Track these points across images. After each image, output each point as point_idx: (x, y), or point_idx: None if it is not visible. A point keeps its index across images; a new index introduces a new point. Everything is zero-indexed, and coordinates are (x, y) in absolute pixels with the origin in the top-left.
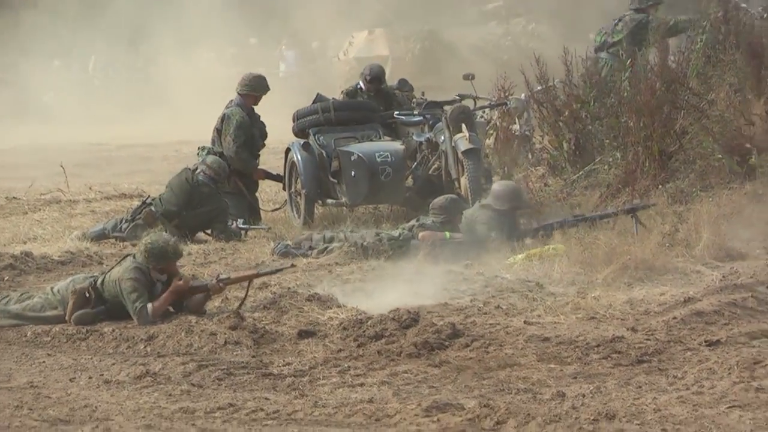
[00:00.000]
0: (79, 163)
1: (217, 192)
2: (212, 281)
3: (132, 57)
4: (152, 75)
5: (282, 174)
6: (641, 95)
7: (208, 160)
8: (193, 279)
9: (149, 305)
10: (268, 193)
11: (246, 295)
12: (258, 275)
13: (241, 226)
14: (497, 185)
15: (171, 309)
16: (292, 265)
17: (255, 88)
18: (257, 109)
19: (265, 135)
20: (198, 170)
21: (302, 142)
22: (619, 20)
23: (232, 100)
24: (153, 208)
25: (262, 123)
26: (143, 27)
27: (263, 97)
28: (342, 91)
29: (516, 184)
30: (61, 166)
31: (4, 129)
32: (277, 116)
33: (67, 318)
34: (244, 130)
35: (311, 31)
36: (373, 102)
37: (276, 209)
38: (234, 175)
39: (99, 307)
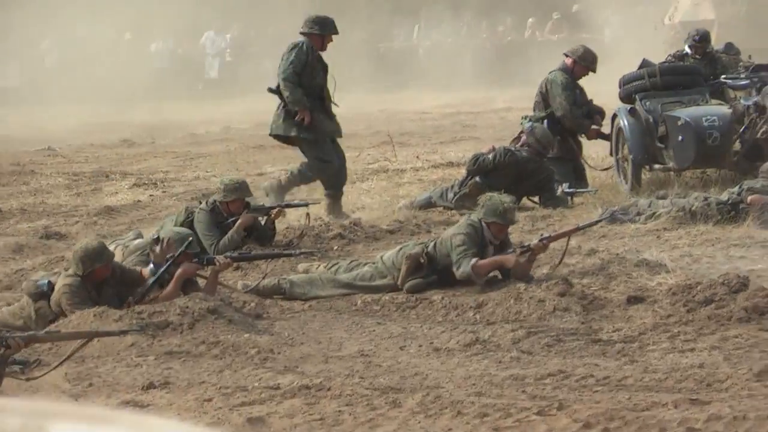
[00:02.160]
0: (406, 131)
1: (543, 162)
2: (534, 242)
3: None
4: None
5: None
6: None
7: (537, 133)
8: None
9: (474, 260)
10: (595, 159)
11: (564, 252)
12: (578, 229)
13: (567, 190)
14: None
15: (499, 275)
16: (611, 217)
17: (582, 57)
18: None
19: (584, 95)
20: (522, 143)
21: (629, 108)
22: None
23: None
24: (478, 179)
25: (581, 86)
26: None
27: (591, 69)
28: (669, 55)
29: None
30: (389, 135)
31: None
32: (603, 82)
33: (399, 283)
34: (571, 91)
35: None
36: (700, 66)
37: (606, 168)
38: (567, 135)
39: (431, 275)
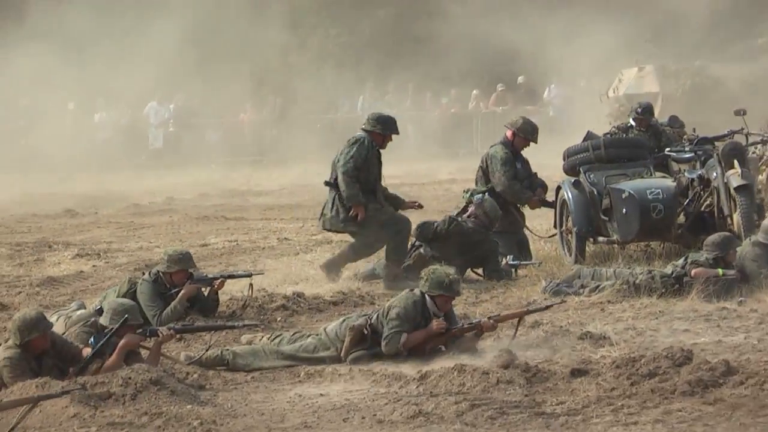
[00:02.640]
0: None
1: (488, 235)
2: (483, 319)
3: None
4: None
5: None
6: None
7: (485, 206)
8: (462, 323)
9: (404, 335)
10: (539, 230)
11: (516, 332)
12: (528, 312)
13: (512, 262)
14: (767, 221)
15: (443, 348)
16: (562, 301)
17: (521, 129)
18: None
19: (527, 168)
20: (469, 215)
21: (573, 180)
22: None
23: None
24: (422, 251)
25: (525, 158)
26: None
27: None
28: (614, 127)
29: None
30: None
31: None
32: (548, 155)
33: (342, 355)
34: (510, 165)
35: (579, 69)
36: (644, 139)
37: (551, 236)
38: (510, 207)
39: (374, 347)
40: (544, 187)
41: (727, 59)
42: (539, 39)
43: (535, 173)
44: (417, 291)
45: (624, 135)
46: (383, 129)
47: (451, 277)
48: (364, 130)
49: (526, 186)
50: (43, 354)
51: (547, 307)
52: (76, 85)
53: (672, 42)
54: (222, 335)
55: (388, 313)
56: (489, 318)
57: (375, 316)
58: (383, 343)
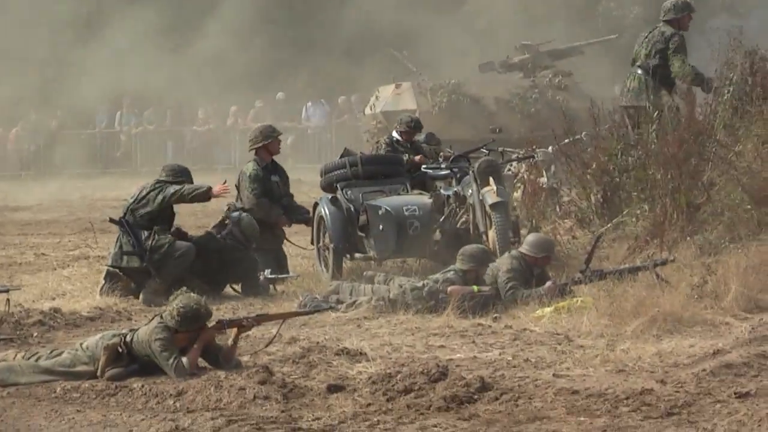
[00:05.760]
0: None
1: (247, 252)
2: (247, 317)
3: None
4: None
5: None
6: (668, 147)
7: (242, 223)
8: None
9: (184, 359)
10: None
11: (276, 333)
12: (294, 314)
13: (269, 276)
14: (532, 236)
15: (205, 363)
16: (331, 308)
17: (264, 137)
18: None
19: (286, 184)
20: (227, 232)
21: (330, 197)
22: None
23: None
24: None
25: (284, 172)
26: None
27: (279, 142)
28: (377, 141)
29: (548, 236)
30: (90, 222)
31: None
32: (304, 171)
33: (98, 374)
34: (259, 182)
35: (338, 86)
36: (400, 156)
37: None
38: (266, 224)
39: (131, 364)
40: (300, 212)
41: (484, 77)
42: None
43: (292, 194)
44: (168, 320)
45: (389, 149)
46: None
47: (202, 302)
48: None
49: (285, 204)
50: None
51: (314, 311)
52: None
53: (428, 59)
54: None
55: (150, 347)
56: (254, 317)
57: (131, 336)
58: (173, 376)
